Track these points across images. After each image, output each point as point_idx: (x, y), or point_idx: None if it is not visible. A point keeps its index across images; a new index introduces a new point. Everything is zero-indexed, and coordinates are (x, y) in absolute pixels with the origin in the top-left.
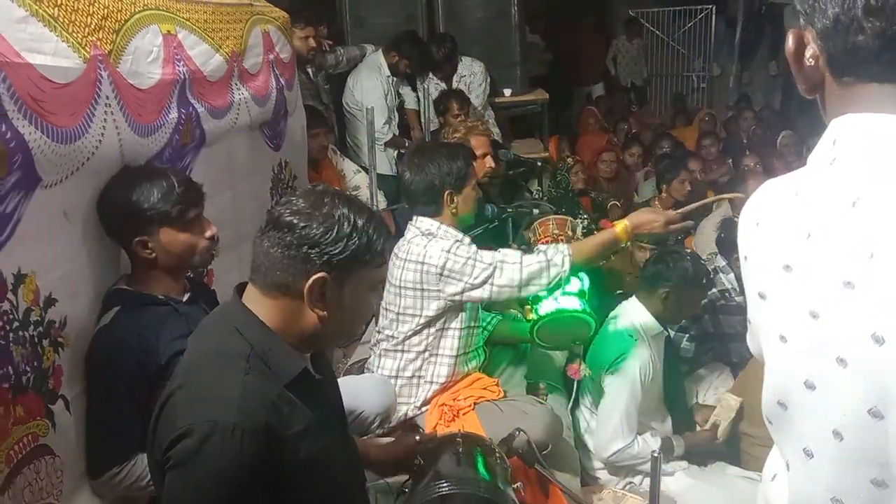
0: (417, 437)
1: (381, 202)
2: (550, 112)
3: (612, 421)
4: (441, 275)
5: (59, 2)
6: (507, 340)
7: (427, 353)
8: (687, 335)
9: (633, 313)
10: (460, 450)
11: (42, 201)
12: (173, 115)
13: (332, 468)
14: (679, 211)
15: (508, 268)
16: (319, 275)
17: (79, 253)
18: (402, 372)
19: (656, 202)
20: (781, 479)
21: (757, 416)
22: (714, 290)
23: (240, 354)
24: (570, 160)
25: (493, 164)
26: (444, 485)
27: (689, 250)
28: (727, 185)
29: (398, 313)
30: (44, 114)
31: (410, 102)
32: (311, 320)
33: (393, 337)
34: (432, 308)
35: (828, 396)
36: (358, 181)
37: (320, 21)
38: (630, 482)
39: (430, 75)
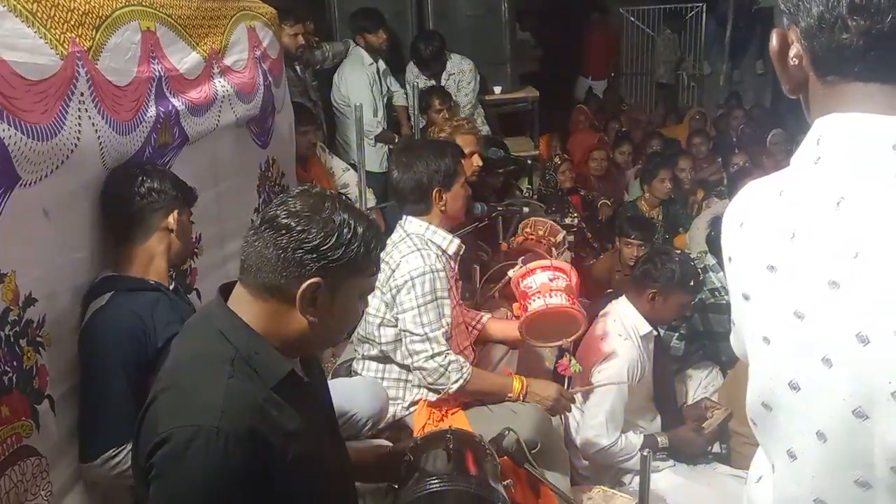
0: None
1: (371, 200)
2: (543, 110)
3: (597, 419)
4: (393, 292)
5: None
6: (496, 339)
7: (400, 359)
8: (677, 334)
9: (622, 312)
10: (451, 446)
11: (21, 200)
12: (151, 113)
13: (321, 470)
14: (575, 390)
15: (425, 345)
16: (314, 280)
17: (59, 252)
18: (388, 374)
19: (643, 201)
20: (766, 480)
21: (746, 415)
22: (704, 289)
23: (224, 358)
24: (556, 159)
25: (480, 163)
26: (435, 481)
27: (679, 251)
28: (717, 184)
29: (382, 317)
30: (15, 111)
31: (400, 99)
32: (299, 325)
33: (377, 342)
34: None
35: (812, 397)
36: (347, 179)
37: (308, 17)
38: (620, 481)
39: (418, 72)
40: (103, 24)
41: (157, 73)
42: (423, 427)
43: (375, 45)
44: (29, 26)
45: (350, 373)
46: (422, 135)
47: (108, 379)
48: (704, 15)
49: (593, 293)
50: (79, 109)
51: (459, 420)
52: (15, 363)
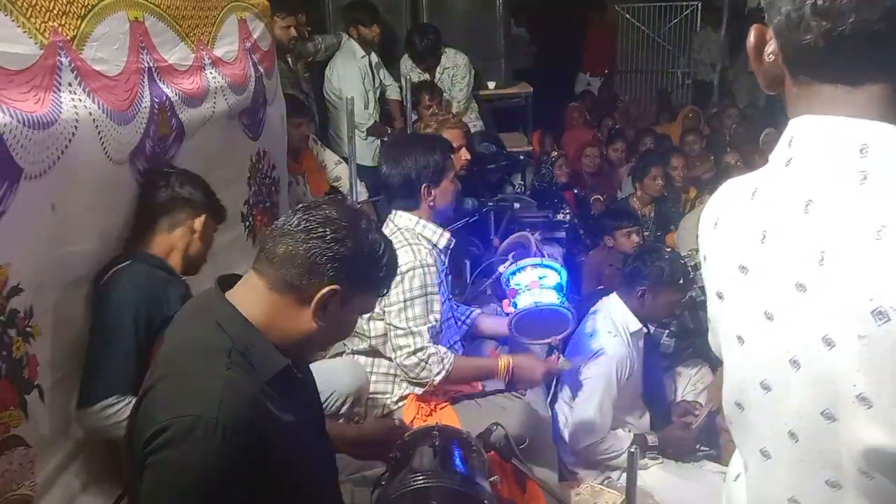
0: (396, 421)
1: (363, 193)
2: (537, 105)
3: (585, 414)
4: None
5: None
6: (485, 334)
7: (387, 353)
8: (667, 331)
9: (612, 309)
10: (437, 443)
11: (28, 193)
12: (146, 102)
13: (310, 464)
14: (561, 363)
15: (408, 339)
16: (334, 287)
17: (58, 245)
18: (377, 368)
19: (635, 198)
20: (743, 478)
21: None
22: (695, 286)
23: (221, 349)
24: (554, 154)
25: (468, 157)
26: (420, 478)
27: (669, 250)
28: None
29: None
30: (5, 100)
31: (393, 92)
32: (305, 325)
33: (366, 336)
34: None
35: (783, 398)
36: (339, 172)
37: (300, 9)
38: (608, 477)
39: (412, 66)
40: (89, 13)
41: (148, 64)
42: (412, 422)
43: (368, 38)
44: (6, 15)
45: None
46: (414, 129)
47: (119, 331)
48: (699, 13)
49: (583, 290)
50: (71, 99)
51: (448, 415)
52: (4, 352)
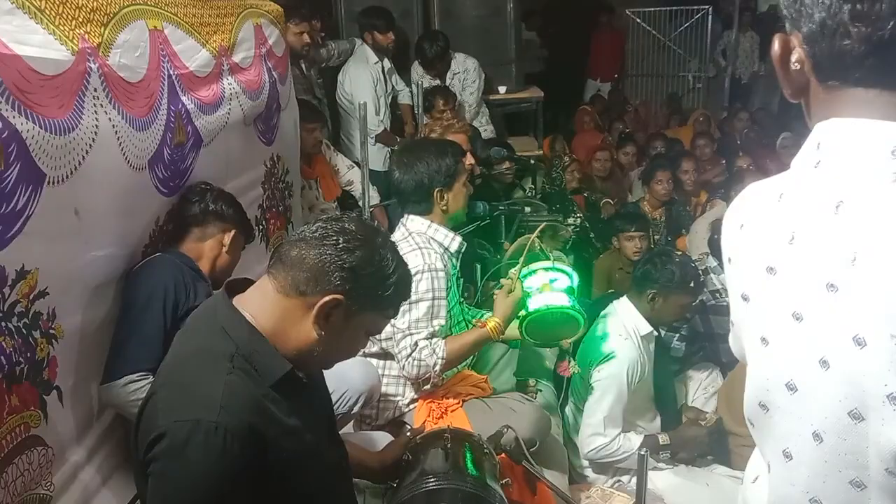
0: (408, 434)
1: (374, 198)
2: (549, 110)
3: (594, 418)
4: None
5: None
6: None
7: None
8: (677, 335)
9: (623, 313)
10: (448, 445)
11: (52, 199)
12: (163, 111)
13: (318, 469)
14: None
15: (406, 342)
16: (337, 296)
17: (82, 250)
18: (388, 371)
19: (645, 202)
20: (762, 480)
21: (742, 417)
22: (705, 290)
23: (224, 354)
24: (567, 158)
25: (472, 162)
26: (432, 480)
27: (680, 253)
28: (721, 186)
29: None
30: (32, 105)
31: (405, 97)
32: (307, 334)
33: (376, 339)
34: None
35: (809, 398)
36: (351, 176)
37: (314, 16)
38: (618, 480)
39: (423, 71)
40: (111, 21)
41: (168, 71)
42: (423, 424)
43: (383, 44)
44: (37, 23)
45: None
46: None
47: (148, 310)
48: (710, 17)
49: (594, 293)
50: (94, 105)
51: (459, 417)
52: (29, 354)
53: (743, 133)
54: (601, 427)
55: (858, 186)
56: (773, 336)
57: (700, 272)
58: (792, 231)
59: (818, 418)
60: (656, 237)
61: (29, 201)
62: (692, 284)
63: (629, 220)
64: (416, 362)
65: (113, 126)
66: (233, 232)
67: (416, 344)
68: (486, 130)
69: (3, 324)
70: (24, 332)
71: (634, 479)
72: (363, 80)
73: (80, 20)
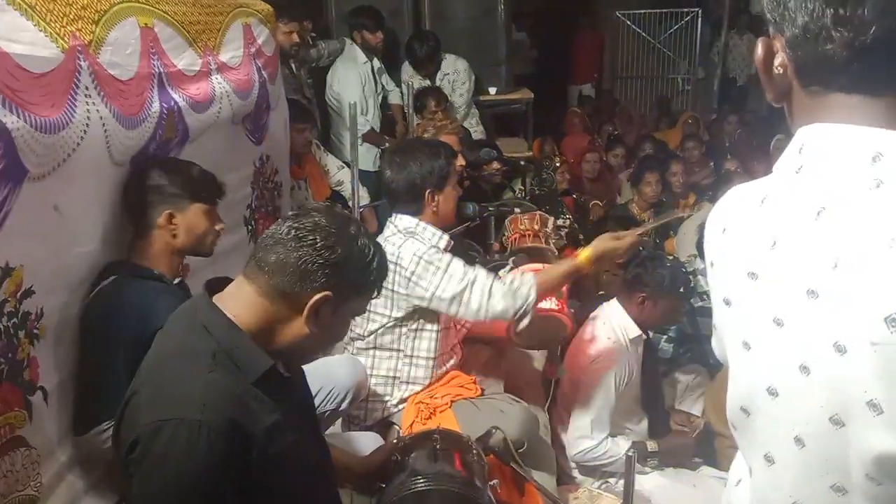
0: (395, 440)
1: (364, 198)
2: (538, 111)
3: (582, 421)
4: (410, 279)
5: None
6: (484, 338)
7: (402, 354)
8: (665, 336)
9: (612, 315)
10: (437, 446)
11: (31, 193)
12: (155, 108)
13: (302, 465)
14: (639, 231)
15: (478, 291)
16: (325, 293)
17: (65, 247)
18: (377, 370)
19: (633, 204)
20: (745, 483)
21: None
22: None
23: (205, 351)
24: (557, 160)
25: (463, 163)
26: (421, 481)
27: (672, 257)
28: (709, 188)
29: (369, 311)
30: (23, 103)
31: (395, 97)
32: (297, 331)
33: (363, 336)
34: (401, 309)
35: (790, 404)
36: (341, 176)
37: (305, 16)
38: (606, 482)
39: (413, 72)
40: (102, 18)
41: (158, 69)
42: (412, 425)
43: (372, 43)
44: (28, 19)
45: None
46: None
47: (106, 355)
48: (700, 20)
49: (582, 295)
50: (86, 103)
51: (447, 418)
52: (10, 354)
53: (733, 135)
54: (588, 430)
55: (840, 192)
56: (754, 341)
57: (690, 277)
58: (774, 236)
59: (799, 423)
60: (644, 239)
61: (7, 198)
62: (682, 290)
63: (618, 224)
64: (508, 295)
65: (104, 125)
66: (167, 212)
67: (499, 279)
68: (476, 131)
69: None
70: (11, 332)
71: (622, 481)
72: (351, 80)
73: (72, 17)
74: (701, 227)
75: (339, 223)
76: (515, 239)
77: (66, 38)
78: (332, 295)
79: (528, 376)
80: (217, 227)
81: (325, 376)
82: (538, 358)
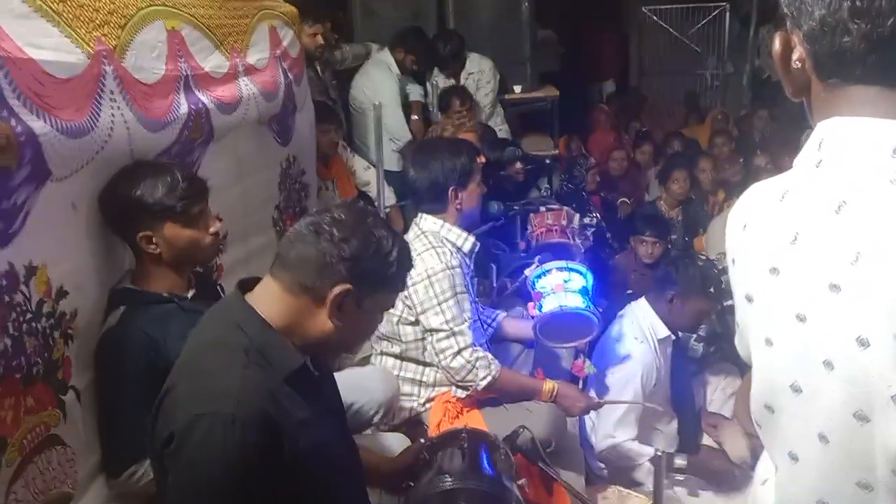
0: (423, 440)
1: (390, 198)
2: (564, 109)
3: (609, 419)
4: (412, 286)
5: None
6: (511, 337)
7: (428, 359)
8: (695, 335)
9: (640, 314)
10: (465, 445)
11: (51, 193)
12: (183, 110)
13: (330, 463)
14: (598, 403)
15: (452, 342)
16: (346, 286)
17: (87, 245)
18: (404, 372)
19: (662, 201)
20: (771, 482)
21: None
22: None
23: (239, 347)
24: (592, 159)
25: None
26: (448, 480)
27: (704, 257)
28: (739, 185)
29: (400, 314)
30: (49, 108)
31: (415, 95)
32: (322, 326)
33: (392, 340)
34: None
35: (814, 400)
36: (368, 177)
37: (328, 16)
38: (635, 481)
39: (437, 71)
40: (128, 23)
41: (185, 72)
42: (439, 424)
43: (406, 65)
44: (54, 25)
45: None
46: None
47: (121, 396)
48: (728, 14)
49: (610, 294)
50: (111, 107)
51: (474, 418)
52: (46, 354)
53: (763, 131)
54: (614, 428)
55: (860, 186)
56: (777, 337)
57: (721, 278)
58: (795, 231)
59: (823, 420)
60: (673, 237)
61: (29, 197)
62: (712, 290)
63: (646, 224)
64: (468, 365)
65: (128, 128)
66: (140, 233)
67: (469, 347)
68: (501, 130)
69: (34, 324)
70: (48, 332)
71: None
72: (386, 88)
73: (98, 22)
74: None
75: (356, 216)
76: (541, 233)
77: (91, 44)
78: (353, 288)
79: (556, 375)
80: (211, 230)
81: (359, 388)
82: (567, 356)
